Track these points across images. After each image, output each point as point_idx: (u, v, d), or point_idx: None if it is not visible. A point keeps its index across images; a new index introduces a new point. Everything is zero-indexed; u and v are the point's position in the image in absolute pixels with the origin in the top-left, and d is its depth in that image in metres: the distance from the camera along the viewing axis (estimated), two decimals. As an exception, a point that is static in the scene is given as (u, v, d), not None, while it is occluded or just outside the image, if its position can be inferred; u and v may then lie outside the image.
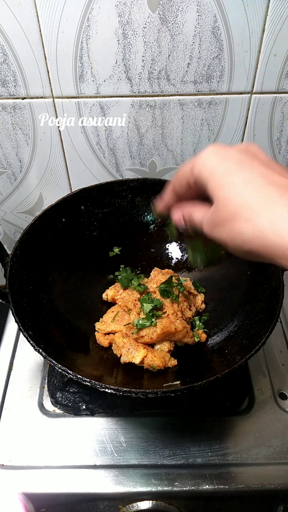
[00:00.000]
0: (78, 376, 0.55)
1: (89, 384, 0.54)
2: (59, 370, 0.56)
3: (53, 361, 0.56)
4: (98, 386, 0.54)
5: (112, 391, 0.54)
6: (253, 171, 0.41)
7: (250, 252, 0.40)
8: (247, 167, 0.41)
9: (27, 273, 0.69)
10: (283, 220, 0.37)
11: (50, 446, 0.67)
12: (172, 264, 0.84)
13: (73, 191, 0.80)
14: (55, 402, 0.71)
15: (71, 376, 0.55)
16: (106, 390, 0.54)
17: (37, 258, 0.72)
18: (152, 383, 0.64)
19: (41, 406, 0.72)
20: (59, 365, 0.56)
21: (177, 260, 0.85)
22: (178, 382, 0.60)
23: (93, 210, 0.81)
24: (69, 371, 0.55)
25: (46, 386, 0.74)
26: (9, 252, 0.68)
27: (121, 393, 0.54)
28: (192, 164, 0.45)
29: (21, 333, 0.60)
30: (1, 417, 0.71)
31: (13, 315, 0.61)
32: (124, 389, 0.54)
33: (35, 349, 0.57)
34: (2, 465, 0.65)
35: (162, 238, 0.85)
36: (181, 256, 0.85)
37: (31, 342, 0.58)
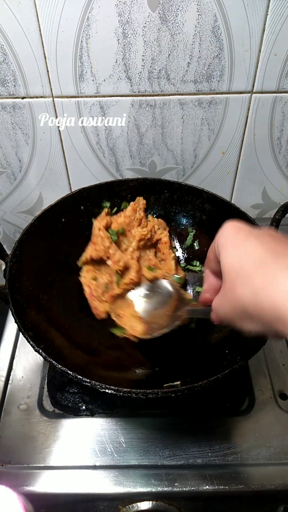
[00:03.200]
0: (79, 376, 0.55)
1: (89, 384, 0.54)
2: (60, 370, 0.56)
3: (54, 362, 0.56)
4: (99, 387, 0.54)
5: (112, 391, 0.54)
6: (258, 241, 0.43)
7: (252, 318, 0.42)
8: (253, 238, 0.44)
9: (27, 273, 0.69)
10: (274, 282, 0.39)
11: (50, 446, 0.67)
12: None
13: (72, 191, 0.79)
14: (55, 403, 0.71)
15: (72, 377, 0.55)
16: (107, 391, 0.54)
17: (36, 258, 0.72)
18: (152, 383, 0.64)
19: (40, 406, 0.72)
20: (60, 366, 0.56)
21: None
22: (178, 382, 0.60)
23: (93, 210, 0.81)
24: (69, 372, 0.55)
25: (46, 386, 0.74)
26: (8, 252, 0.68)
27: (121, 394, 0.54)
28: (216, 236, 0.48)
29: (21, 333, 0.60)
30: (1, 417, 0.71)
31: (13, 315, 0.61)
32: (125, 389, 0.54)
33: (35, 350, 0.57)
34: (2, 465, 0.65)
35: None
36: (182, 255, 0.85)
37: (31, 342, 0.58)
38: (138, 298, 0.74)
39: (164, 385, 0.60)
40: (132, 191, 0.82)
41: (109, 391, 0.54)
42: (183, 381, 0.60)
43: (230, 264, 0.44)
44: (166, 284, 0.72)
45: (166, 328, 0.66)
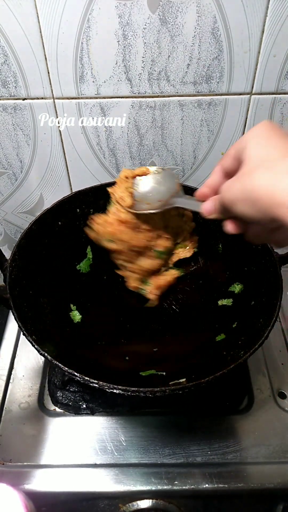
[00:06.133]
0: (86, 378, 0.54)
1: (97, 385, 0.54)
2: (67, 373, 0.55)
3: (60, 365, 0.56)
4: (106, 387, 0.54)
5: (120, 391, 0.54)
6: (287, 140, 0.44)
7: (255, 203, 0.42)
8: (285, 137, 0.45)
9: (27, 277, 0.69)
10: None
11: (51, 445, 0.68)
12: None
13: (68, 194, 0.80)
14: (56, 401, 0.72)
15: (78, 378, 0.55)
16: (114, 391, 0.54)
17: (35, 262, 0.73)
18: (157, 383, 0.65)
19: (41, 405, 0.72)
20: (66, 368, 0.55)
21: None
22: (184, 380, 0.60)
23: (89, 212, 0.82)
24: (76, 374, 0.55)
25: (46, 385, 0.74)
26: (7, 255, 0.69)
27: (129, 393, 0.53)
28: (246, 132, 0.49)
29: (21, 333, 0.61)
30: (2, 416, 0.71)
31: (15, 320, 0.61)
32: (133, 388, 0.54)
33: (41, 353, 0.57)
34: (3, 464, 0.66)
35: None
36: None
37: (36, 346, 0.58)
38: (138, 179, 0.73)
39: (170, 383, 0.60)
40: None
41: (117, 391, 0.54)
42: (188, 378, 0.61)
43: (257, 152, 0.45)
44: (171, 176, 0.71)
45: (152, 210, 0.67)
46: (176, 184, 0.69)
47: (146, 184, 0.72)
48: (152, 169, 0.73)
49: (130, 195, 0.71)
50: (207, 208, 0.53)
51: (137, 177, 0.73)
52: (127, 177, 0.74)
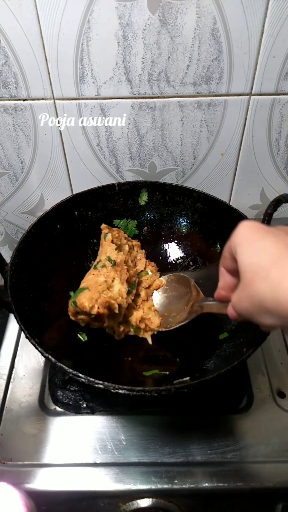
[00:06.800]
0: (91, 379, 0.55)
1: (102, 386, 0.54)
2: (71, 374, 0.56)
3: (64, 366, 0.56)
4: (111, 388, 0.54)
5: (125, 391, 0.53)
6: (274, 238, 0.44)
7: (270, 312, 0.42)
8: (270, 236, 0.44)
9: (27, 281, 0.69)
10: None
11: (51, 444, 0.68)
12: (167, 263, 0.85)
13: (65, 197, 0.80)
14: (56, 401, 0.72)
15: (83, 380, 0.55)
16: (120, 391, 0.54)
17: (35, 266, 0.73)
18: (161, 382, 0.65)
19: (42, 405, 0.72)
20: (70, 370, 0.56)
21: (173, 260, 0.85)
22: (187, 378, 0.61)
23: (87, 215, 0.82)
24: (80, 375, 0.55)
25: (47, 384, 0.75)
26: (9, 254, 0.69)
27: (134, 393, 0.53)
28: (232, 235, 0.49)
29: (22, 333, 0.61)
30: (3, 416, 0.71)
31: (18, 323, 0.61)
32: (138, 388, 0.54)
33: (44, 356, 0.57)
34: (4, 463, 0.66)
35: (156, 239, 0.86)
36: (176, 256, 0.85)
37: (39, 349, 0.58)
38: (156, 293, 0.78)
39: (174, 382, 0.60)
40: (124, 194, 0.83)
41: (122, 391, 0.54)
42: (192, 376, 0.61)
43: (248, 261, 0.45)
44: (184, 279, 0.75)
45: (182, 322, 0.70)
46: (193, 288, 0.72)
47: (164, 297, 0.77)
48: (164, 279, 0.78)
49: (155, 313, 0.75)
50: (232, 315, 0.53)
51: (154, 292, 0.77)
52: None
